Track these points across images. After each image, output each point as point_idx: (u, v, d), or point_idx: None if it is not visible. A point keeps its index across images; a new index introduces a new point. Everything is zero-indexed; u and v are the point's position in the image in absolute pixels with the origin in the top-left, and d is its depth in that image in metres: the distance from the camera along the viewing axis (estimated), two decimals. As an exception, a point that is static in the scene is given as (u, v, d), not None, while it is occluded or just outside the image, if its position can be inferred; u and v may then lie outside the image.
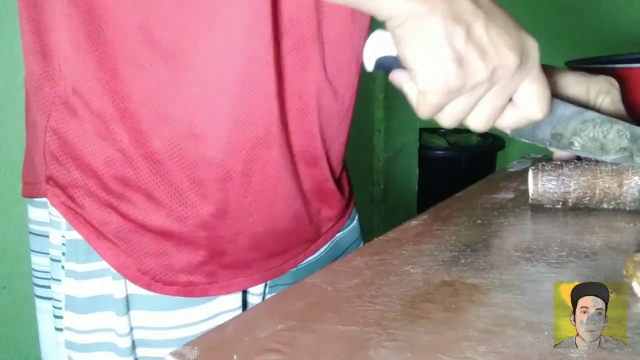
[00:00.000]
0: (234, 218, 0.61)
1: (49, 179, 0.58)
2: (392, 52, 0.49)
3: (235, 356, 0.38)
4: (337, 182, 0.71)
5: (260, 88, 0.56)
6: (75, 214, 0.58)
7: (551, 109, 0.52)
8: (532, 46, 0.48)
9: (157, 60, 0.54)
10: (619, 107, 0.62)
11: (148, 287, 0.59)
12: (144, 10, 0.53)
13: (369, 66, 0.52)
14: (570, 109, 0.57)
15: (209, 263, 0.61)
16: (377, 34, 0.51)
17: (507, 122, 0.51)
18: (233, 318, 0.45)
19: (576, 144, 0.58)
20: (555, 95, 0.59)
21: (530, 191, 0.60)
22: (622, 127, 0.57)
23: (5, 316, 1.06)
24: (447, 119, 0.49)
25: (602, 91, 0.61)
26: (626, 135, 0.57)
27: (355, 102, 0.69)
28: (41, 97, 0.57)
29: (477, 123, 0.49)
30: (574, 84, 0.61)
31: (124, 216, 0.58)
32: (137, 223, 0.58)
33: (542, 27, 2.51)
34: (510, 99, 0.50)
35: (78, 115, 0.56)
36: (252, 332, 0.41)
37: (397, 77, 0.50)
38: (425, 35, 0.44)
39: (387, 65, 0.51)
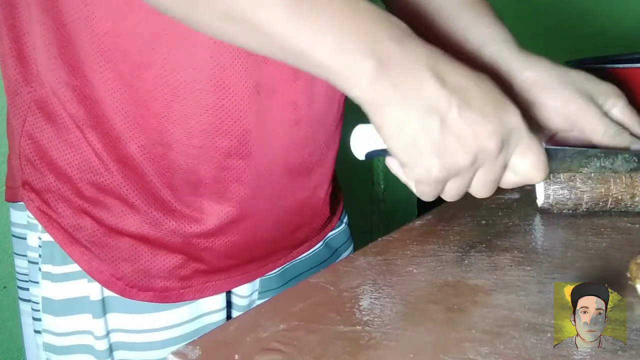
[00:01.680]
0: (210, 226, 0.60)
1: (25, 183, 0.59)
2: (378, 144, 0.49)
3: (236, 356, 0.38)
4: (327, 188, 0.70)
5: (231, 100, 0.56)
6: (49, 219, 0.58)
7: (550, 160, 0.51)
8: (514, 119, 0.46)
9: (126, 70, 0.54)
10: (633, 110, 0.62)
11: (122, 293, 0.59)
12: (111, 21, 0.53)
13: (360, 157, 0.52)
14: (569, 151, 0.57)
15: (184, 267, 0.61)
16: (360, 128, 0.50)
17: (510, 185, 0.51)
18: (235, 318, 0.45)
19: (585, 172, 0.58)
20: (550, 141, 0.60)
21: (540, 201, 0.60)
22: (627, 155, 0.57)
23: (5, 316, 1.06)
24: (449, 197, 0.49)
25: (614, 94, 0.61)
26: (634, 160, 0.57)
27: (344, 106, 0.68)
28: (18, 102, 0.58)
29: (480, 193, 0.50)
30: (588, 81, 0.61)
31: (98, 221, 0.58)
32: (112, 228, 0.58)
33: (543, 27, 2.51)
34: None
35: (52, 120, 0.57)
36: (254, 331, 0.41)
37: (392, 166, 0.50)
38: (402, 128, 0.44)
39: (378, 155, 0.51)
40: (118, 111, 0.55)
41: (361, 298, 0.45)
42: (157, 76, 0.54)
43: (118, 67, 0.54)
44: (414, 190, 0.49)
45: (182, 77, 0.54)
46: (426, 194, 0.48)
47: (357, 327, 0.41)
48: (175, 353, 0.39)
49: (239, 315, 0.46)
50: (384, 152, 0.50)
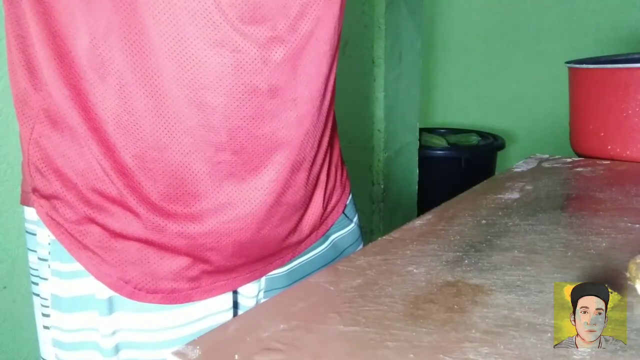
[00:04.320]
0: (213, 225, 0.60)
1: (34, 190, 0.60)
2: None
3: (236, 356, 0.38)
4: (327, 178, 0.70)
5: (216, 96, 0.56)
6: (57, 225, 0.59)
7: None
8: None
9: (112, 79, 0.54)
10: None
11: (130, 295, 0.59)
12: (91, 32, 0.53)
13: None
14: None
15: (192, 269, 0.61)
16: None
17: None
18: (235, 317, 0.45)
19: None
20: None
21: None
22: None
23: (5, 316, 1.06)
24: None
25: None
26: None
27: (334, 98, 0.68)
28: (27, 111, 0.59)
29: None
30: None
31: (103, 227, 0.59)
32: (117, 233, 0.59)
33: (542, 27, 2.51)
34: None
35: (57, 128, 0.58)
36: (254, 331, 0.41)
37: None
38: None
39: None
40: (110, 120, 0.56)
41: (361, 298, 0.45)
42: (146, 84, 0.54)
43: (103, 77, 0.54)
44: None
45: (161, 79, 0.54)
46: None
47: (357, 327, 0.41)
48: (175, 353, 0.39)
49: (239, 315, 0.46)
50: None
